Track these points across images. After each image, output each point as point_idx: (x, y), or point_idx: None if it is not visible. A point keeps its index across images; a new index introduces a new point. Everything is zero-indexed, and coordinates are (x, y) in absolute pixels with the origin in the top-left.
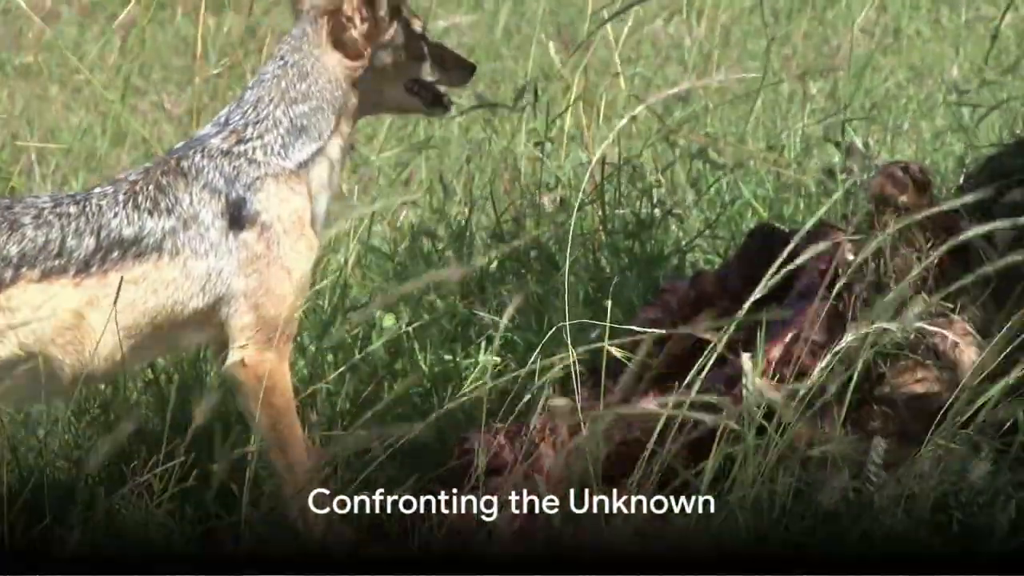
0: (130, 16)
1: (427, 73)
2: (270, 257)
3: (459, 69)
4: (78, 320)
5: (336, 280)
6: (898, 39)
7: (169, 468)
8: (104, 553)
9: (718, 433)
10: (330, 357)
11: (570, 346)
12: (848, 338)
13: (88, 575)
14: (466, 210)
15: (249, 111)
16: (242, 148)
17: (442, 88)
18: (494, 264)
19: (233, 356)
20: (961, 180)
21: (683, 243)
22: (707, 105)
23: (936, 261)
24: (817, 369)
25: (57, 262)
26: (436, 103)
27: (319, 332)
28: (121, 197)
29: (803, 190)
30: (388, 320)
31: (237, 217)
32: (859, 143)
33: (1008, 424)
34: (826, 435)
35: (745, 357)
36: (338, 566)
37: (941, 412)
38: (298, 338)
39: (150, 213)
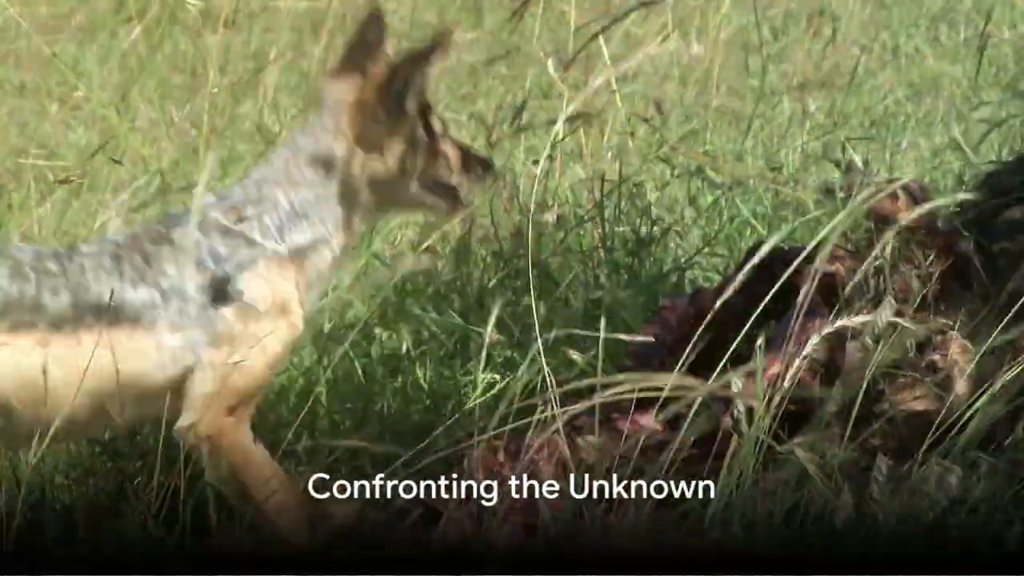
0: (132, 34)
1: (446, 172)
2: (246, 335)
3: (479, 167)
4: (41, 379)
5: (336, 299)
6: (897, 56)
7: (166, 482)
8: (104, 567)
9: (712, 449)
10: (328, 374)
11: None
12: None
13: None
14: (465, 227)
15: (252, 189)
16: (239, 227)
17: (459, 186)
18: (493, 281)
19: (184, 419)
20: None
21: (682, 260)
22: (706, 123)
23: (935, 278)
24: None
25: (28, 317)
26: (454, 203)
27: (319, 349)
28: (106, 261)
29: (801, 208)
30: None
31: (221, 292)
32: (858, 160)
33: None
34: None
35: (734, 375)
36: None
37: (935, 427)
38: (295, 359)
39: (132, 283)
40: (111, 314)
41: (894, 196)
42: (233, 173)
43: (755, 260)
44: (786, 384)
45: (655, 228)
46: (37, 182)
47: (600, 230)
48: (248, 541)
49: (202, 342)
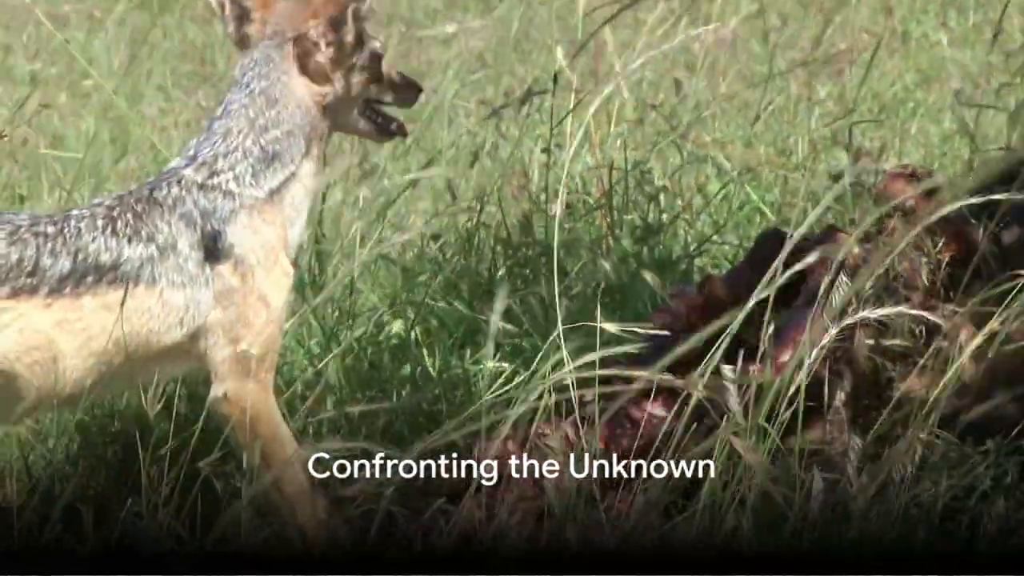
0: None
1: (381, 94)
2: (245, 289)
3: (408, 89)
4: (46, 341)
5: (345, 289)
6: (906, 42)
7: (175, 476)
8: (113, 562)
9: (719, 437)
10: (337, 363)
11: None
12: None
13: None
14: (474, 215)
15: (219, 142)
16: (215, 181)
17: (392, 113)
18: (502, 269)
19: (215, 390)
20: (969, 183)
21: (691, 248)
22: (715, 110)
23: (944, 264)
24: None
25: (28, 281)
26: (386, 129)
27: (327, 338)
28: (100, 222)
29: (811, 195)
30: (396, 326)
31: (212, 249)
32: (867, 147)
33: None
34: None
35: (726, 369)
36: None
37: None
38: (304, 345)
39: (129, 240)
40: (113, 271)
41: (903, 182)
42: None
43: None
44: (801, 374)
45: (663, 215)
46: (47, 172)
47: (609, 218)
48: (257, 536)
49: (206, 303)
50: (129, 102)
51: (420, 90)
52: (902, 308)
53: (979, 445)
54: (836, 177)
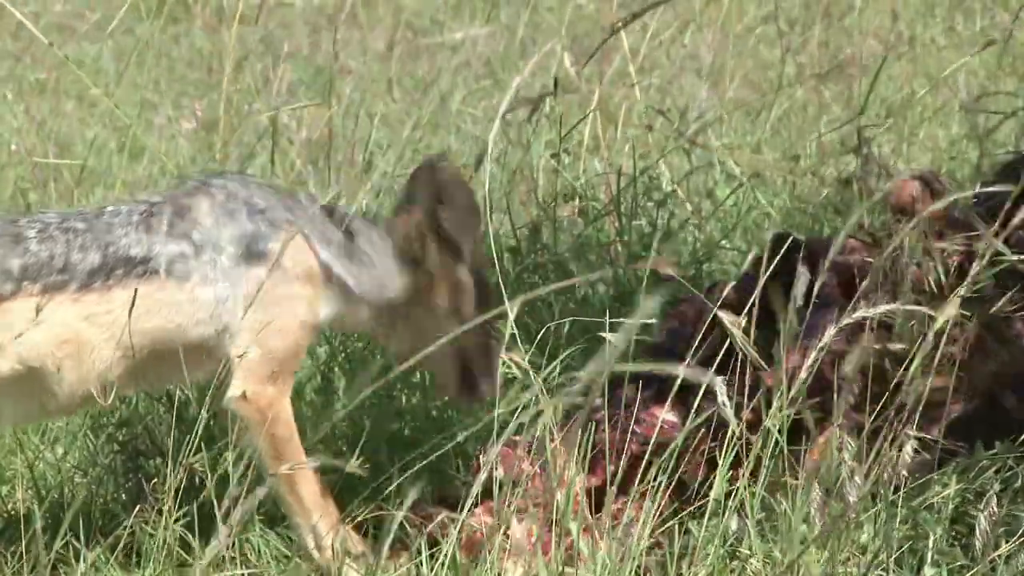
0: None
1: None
2: (278, 294)
3: (484, 378)
4: (75, 335)
5: None
6: (913, 47)
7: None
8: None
9: (728, 444)
10: (345, 369)
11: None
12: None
13: None
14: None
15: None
16: (287, 200)
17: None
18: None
19: (233, 389)
20: (977, 187)
21: (700, 253)
22: (723, 115)
23: (953, 268)
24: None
25: (60, 277)
26: (469, 389)
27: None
28: (136, 217)
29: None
30: None
31: (252, 250)
32: (875, 151)
33: None
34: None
35: (718, 380)
36: None
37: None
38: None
39: (162, 236)
40: (143, 265)
41: (911, 186)
42: (249, 169)
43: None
44: (803, 375)
45: (672, 220)
46: (56, 182)
47: (617, 223)
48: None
49: (236, 301)
50: (137, 111)
51: (483, 399)
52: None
53: (988, 448)
54: (845, 182)
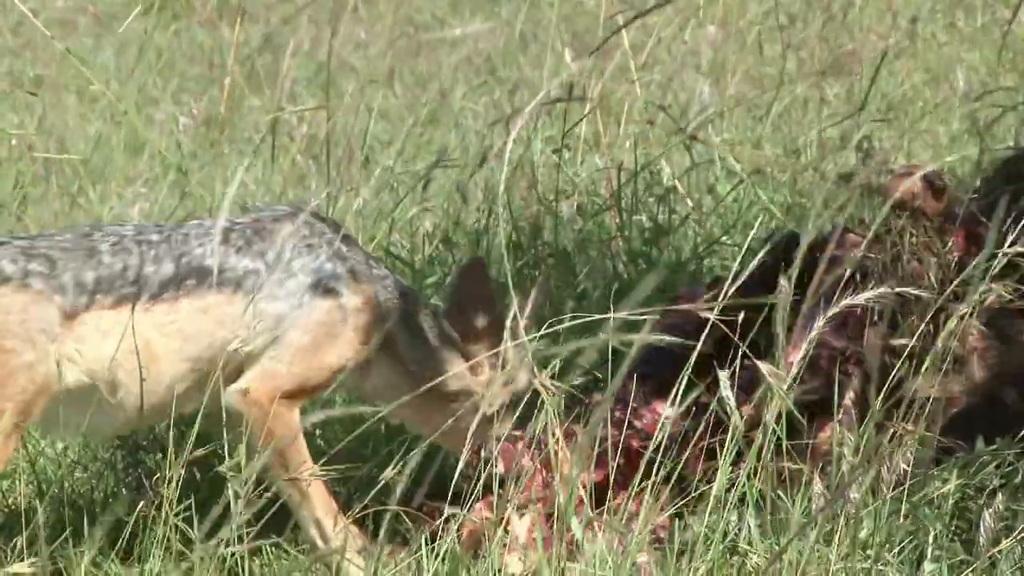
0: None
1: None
2: (331, 329)
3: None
4: (144, 345)
5: None
6: (913, 42)
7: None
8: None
9: (729, 438)
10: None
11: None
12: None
13: None
14: (483, 217)
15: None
16: (371, 261)
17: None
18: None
19: (243, 382)
20: (977, 183)
21: (701, 249)
22: (724, 111)
23: (954, 264)
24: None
25: (132, 289)
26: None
27: None
28: (215, 232)
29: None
30: None
31: (320, 284)
32: (876, 147)
33: None
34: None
35: (723, 375)
36: None
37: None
38: None
39: (238, 251)
40: (212, 277)
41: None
42: (250, 166)
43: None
44: (795, 370)
45: (673, 216)
46: (56, 176)
47: (618, 219)
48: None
49: (292, 322)
50: (137, 106)
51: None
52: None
53: (989, 443)
54: (846, 177)
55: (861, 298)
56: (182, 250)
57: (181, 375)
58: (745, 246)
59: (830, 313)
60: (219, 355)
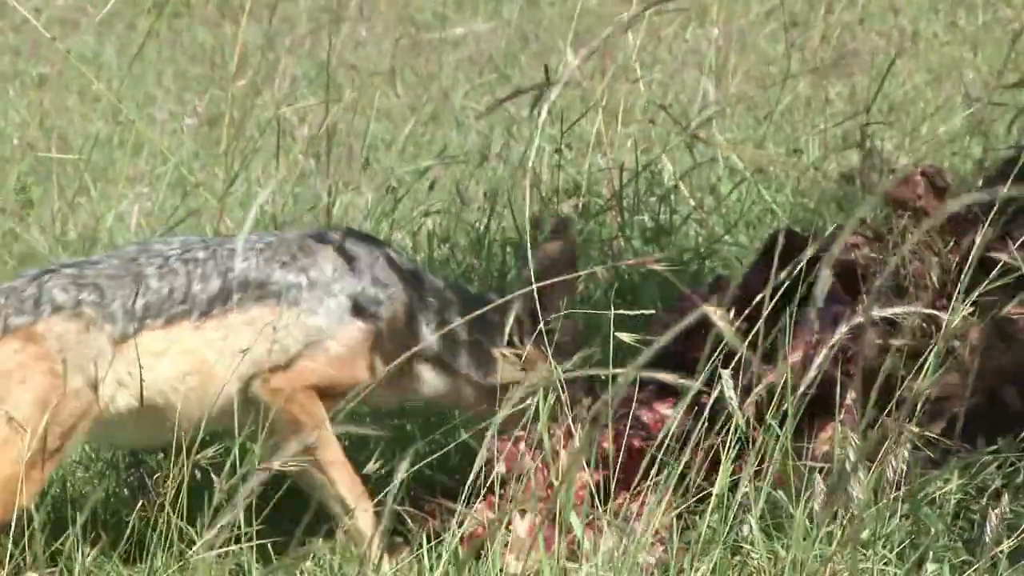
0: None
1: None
2: (366, 346)
3: None
4: (199, 363)
5: None
6: (915, 42)
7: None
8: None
9: (730, 437)
10: None
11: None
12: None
13: None
14: (485, 217)
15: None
16: (414, 276)
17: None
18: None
19: (266, 375)
20: (980, 183)
21: (703, 249)
22: (726, 110)
23: (954, 264)
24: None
25: (181, 308)
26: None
27: None
28: (259, 245)
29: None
30: None
31: (361, 306)
32: (878, 147)
33: None
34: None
35: (725, 374)
36: None
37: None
38: None
39: (282, 265)
40: (259, 289)
41: (913, 181)
42: (252, 166)
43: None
44: (812, 373)
45: (675, 216)
46: (58, 176)
47: (620, 218)
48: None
49: (331, 333)
50: (139, 106)
51: None
52: (909, 308)
53: (990, 444)
54: (848, 177)
55: (889, 312)
56: (228, 265)
57: (234, 391)
58: (751, 247)
59: (853, 322)
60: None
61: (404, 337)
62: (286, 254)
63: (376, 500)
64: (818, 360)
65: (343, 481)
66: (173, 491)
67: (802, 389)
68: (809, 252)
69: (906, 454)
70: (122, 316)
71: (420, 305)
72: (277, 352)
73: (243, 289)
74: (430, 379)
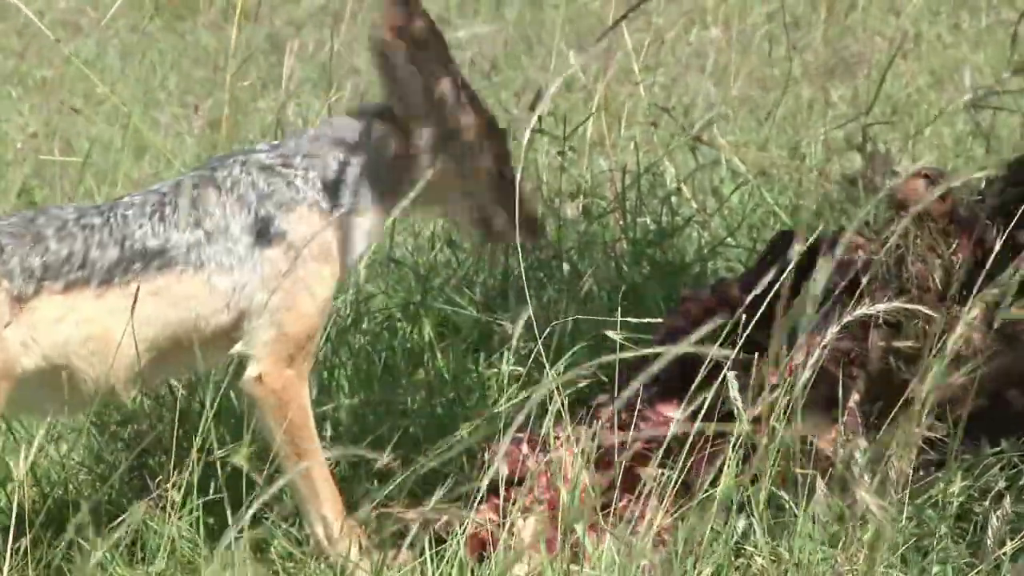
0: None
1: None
2: (295, 276)
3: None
4: (100, 331)
5: (357, 293)
6: (918, 44)
7: (187, 479)
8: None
9: (734, 440)
10: (350, 367)
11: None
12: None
13: None
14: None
15: (305, 143)
16: (284, 171)
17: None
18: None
19: (251, 371)
20: (982, 185)
21: (705, 251)
22: (728, 112)
23: (958, 266)
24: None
25: (80, 274)
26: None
27: (337, 340)
28: (148, 208)
29: (825, 197)
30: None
31: (264, 233)
32: (881, 149)
33: None
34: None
35: (730, 375)
36: None
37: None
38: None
39: (176, 225)
40: (159, 259)
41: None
42: None
43: None
44: (807, 373)
45: (677, 218)
46: (61, 179)
47: (622, 220)
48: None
49: (253, 286)
50: (142, 108)
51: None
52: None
53: (994, 445)
54: (850, 180)
55: (875, 309)
56: (124, 232)
57: (136, 358)
58: (754, 250)
59: (844, 321)
60: (178, 335)
61: (328, 237)
62: (176, 212)
63: (375, 500)
64: (811, 360)
65: (326, 498)
66: (175, 492)
67: (797, 388)
68: (797, 247)
69: (912, 456)
70: (20, 274)
71: (311, 189)
72: (196, 319)
73: (143, 258)
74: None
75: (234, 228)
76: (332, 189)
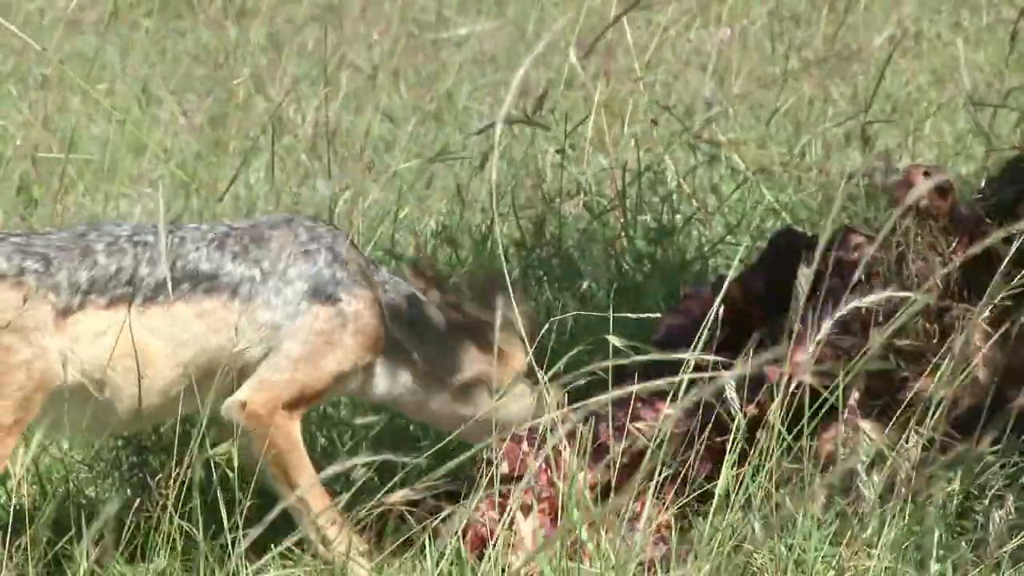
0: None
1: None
2: (330, 336)
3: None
4: (139, 347)
5: None
6: (918, 42)
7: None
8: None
9: (731, 439)
10: None
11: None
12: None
13: None
14: (488, 218)
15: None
16: (365, 259)
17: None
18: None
19: (241, 394)
20: (983, 183)
21: (705, 249)
22: (728, 110)
23: (959, 264)
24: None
25: (127, 289)
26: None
27: None
28: (210, 235)
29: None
30: None
31: (318, 291)
32: (881, 146)
33: None
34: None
35: (727, 374)
36: None
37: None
38: None
39: (234, 257)
40: (209, 281)
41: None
42: (254, 164)
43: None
44: (805, 373)
45: (678, 216)
46: (60, 177)
47: (623, 218)
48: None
49: (289, 329)
50: (142, 106)
51: None
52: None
53: (994, 444)
54: (850, 177)
55: (867, 301)
56: (177, 253)
57: (175, 379)
58: (754, 247)
59: (836, 316)
60: (214, 361)
61: (370, 321)
62: (237, 245)
63: (376, 500)
64: (806, 357)
65: (318, 507)
66: (175, 492)
67: (794, 386)
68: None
69: (915, 455)
70: (67, 288)
71: (381, 292)
72: (234, 348)
73: (192, 281)
74: (387, 375)
75: (292, 273)
76: (393, 317)
